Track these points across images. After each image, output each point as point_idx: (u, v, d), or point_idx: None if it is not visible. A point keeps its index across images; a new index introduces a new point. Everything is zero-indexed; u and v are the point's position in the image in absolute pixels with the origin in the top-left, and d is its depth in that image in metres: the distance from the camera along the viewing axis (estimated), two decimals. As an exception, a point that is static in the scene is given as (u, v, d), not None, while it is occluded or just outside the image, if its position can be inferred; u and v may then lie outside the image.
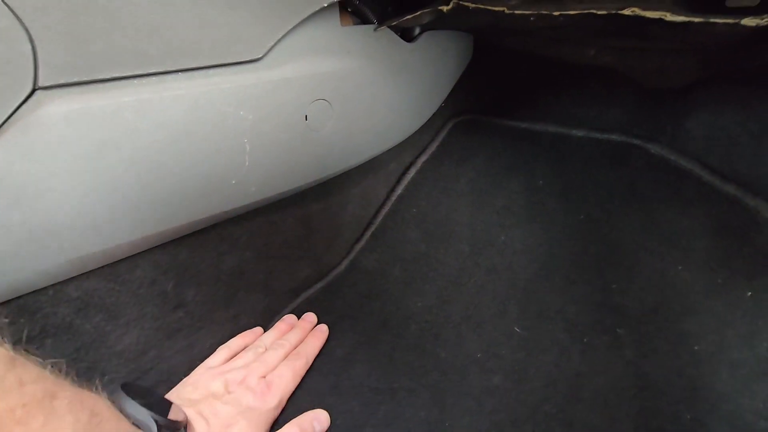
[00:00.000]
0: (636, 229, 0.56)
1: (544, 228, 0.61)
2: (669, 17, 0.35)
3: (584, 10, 0.39)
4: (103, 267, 0.44)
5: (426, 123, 0.75)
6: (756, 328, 0.44)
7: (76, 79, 0.36)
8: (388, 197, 0.74)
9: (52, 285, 0.41)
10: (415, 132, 0.73)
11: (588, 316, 0.51)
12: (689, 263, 0.51)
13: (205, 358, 0.51)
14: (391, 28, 0.56)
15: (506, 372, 0.49)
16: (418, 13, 0.50)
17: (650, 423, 0.42)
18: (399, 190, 0.74)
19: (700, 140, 0.58)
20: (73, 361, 0.42)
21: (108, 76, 0.37)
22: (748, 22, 0.33)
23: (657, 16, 0.36)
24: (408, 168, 0.77)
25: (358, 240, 0.70)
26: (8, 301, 0.39)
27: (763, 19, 0.32)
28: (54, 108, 0.35)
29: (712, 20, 0.34)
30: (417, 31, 0.64)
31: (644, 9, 0.36)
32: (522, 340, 0.51)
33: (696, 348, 0.45)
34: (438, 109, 0.77)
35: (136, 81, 0.39)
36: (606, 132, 0.67)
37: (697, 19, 0.34)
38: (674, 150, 0.60)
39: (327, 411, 0.45)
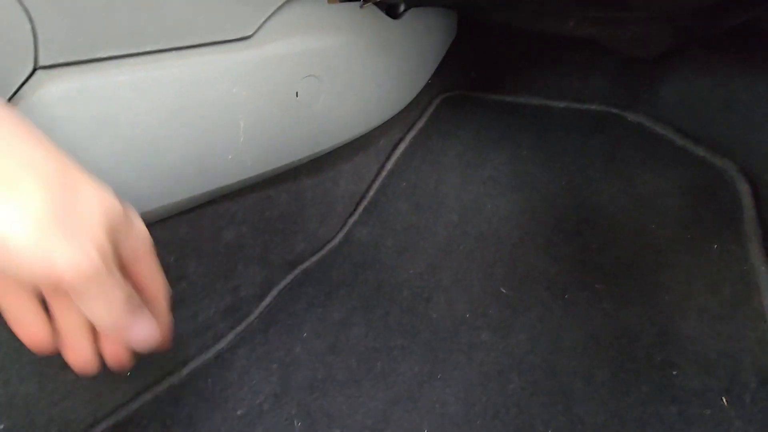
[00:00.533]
0: (614, 192, 0.59)
1: (529, 195, 0.64)
2: (637, -15, 0.38)
3: (558, -20, 0.41)
4: (107, 242, 0.46)
5: (414, 99, 0.77)
6: (720, 277, 0.48)
7: (74, 59, 0.37)
8: (379, 172, 0.76)
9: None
10: (404, 108, 0.75)
11: (569, 274, 0.54)
12: (663, 222, 0.54)
13: (211, 327, 0.53)
14: (376, 4, 0.58)
15: (493, 329, 0.52)
16: (401, -12, 0.51)
17: (626, 366, 0.46)
18: (389, 165, 0.76)
19: (673, 107, 0.61)
20: (84, 330, 0.45)
21: (105, 55, 0.39)
22: (710, -13, 0.35)
23: (626, -16, 0.38)
24: (398, 143, 0.79)
25: (351, 214, 0.73)
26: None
27: (721, -16, 0.35)
28: (54, 87, 0.37)
29: (676, -14, 0.36)
30: (402, 7, 0.65)
31: (614, -23, 0.38)
32: (508, 299, 0.55)
33: (667, 298, 0.49)
34: (425, 86, 0.79)
35: (132, 60, 0.40)
36: (586, 102, 0.69)
37: (662, -14, 0.37)
38: (650, 117, 0.63)
39: (326, 368, 0.48)
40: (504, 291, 0.56)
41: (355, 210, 0.74)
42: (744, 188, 0.52)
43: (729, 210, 0.51)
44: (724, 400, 0.42)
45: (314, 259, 0.68)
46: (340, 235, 0.71)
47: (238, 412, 0.46)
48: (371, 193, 0.75)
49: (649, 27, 0.55)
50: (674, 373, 0.44)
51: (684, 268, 0.50)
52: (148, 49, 0.41)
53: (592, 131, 0.66)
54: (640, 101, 0.65)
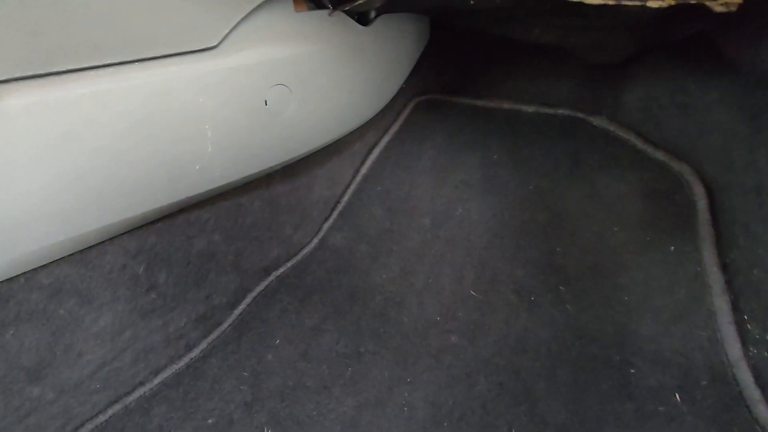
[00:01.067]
0: (578, 196, 0.60)
1: (498, 199, 0.65)
2: (587, 0, 0.39)
3: (516, -6, 0.42)
4: (73, 254, 0.46)
5: (388, 104, 0.78)
6: (676, 278, 0.50)
7: (31, 72, 0.37)
8: (353, 177, 0.77)
9: (23, 273, 0.43)
10: (378, 113, 0.76)
11: (534, 277, 0.56)
12: (623, 225, 0.56)
13: (182, 336, 0.53)
14: (345, 12, 0.58)
15: (462, 332, 0.53)
16: (368, -3, 0.52)
17: (586, 366, 0.48)
18: (364, 170, 0.77)
19: (635, 112, 0.63)
20: (49, 344, 0.44)
21: (64, 69, 0.38)
22: (652, 3, 0.37)
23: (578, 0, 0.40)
24: (372, 148, 0.80)
25: (326, 219, 0.73)
26: (-19, 290, 0.40)
27: (664, 1, 0.36)
28: (13, 101, 0.36)
29: (623, 2, 0.38)
30: (372, 14, 0.66)
31: (567, -7, 0.40)
32: (477, 302, 0.56)
33: (626, 299, 0.51)
34: (399, 90, 0.80)
35: (92, 72, 0.40)
36: (554, 107, 0.71)
37: (611, 2, 0.38)
38: (613, 121, 0.65)
39: (297, 375, 0.49)
40: (473, 294, 0.57)
41: (330, 215, 0.75)
42: (699, 191, 0.54)
43: (685, 213, 0.53)
44: (678, 397, 0.44)
45: (289, 265, 0.68)
46: (315, 241, 0.72)
47: (209, 421, 0.47)
48: (346, 197, 0.75)
49: (608, 35, 0.57)
50: (632, 371, 0.46)
51: (642, 270, 0.52)
52: (109, 61, 0.41)
53: (560, 135, 0.68)
54: (604, 106, 0.67)
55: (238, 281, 0.61)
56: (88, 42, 0.39)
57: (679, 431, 0.42)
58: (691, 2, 0.36)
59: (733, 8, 0.35)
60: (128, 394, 0.49)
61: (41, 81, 0.38)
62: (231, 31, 0.47)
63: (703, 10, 0.37)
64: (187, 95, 0.46)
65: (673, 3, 0.36)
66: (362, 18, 0.65)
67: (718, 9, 0.35)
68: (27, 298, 0.43)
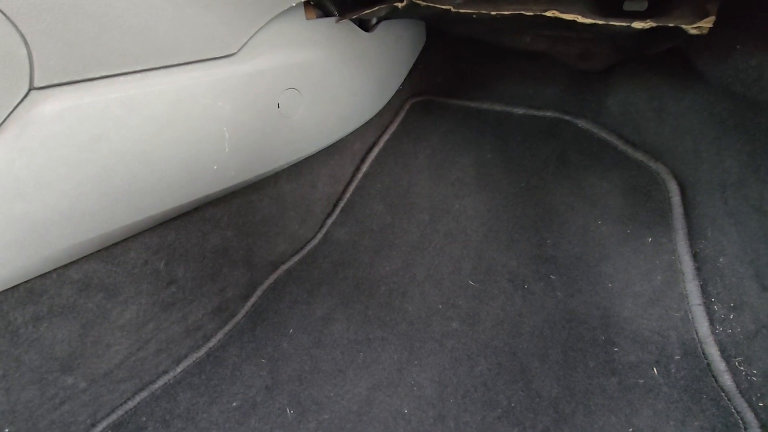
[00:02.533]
0: (565, 192, 0.66)
1: (492, 195, 0.70)
2: (580, 19, 0.44)
3: (515, 11, 0.46)
4: (99, 251, 0.48)
5: (386, 105, 0.81)
6: (653, 266, 0.56)
7: (68, 79, 0.39)
8: (354, 175, 0.80)
9: (55, 269, 0.45)
10: (377, 113, 0.79)
11: (527, 267, 0.61)
12: (606, 218, 0.62)
13: (200, 327, 0.56)
14: (351, 19, 0.61)
15: (462, 318, 0.58)
16: (376, 8, 0.55)
17: (575, 346, 0.53)
18: (364, 168, 0.81)
19: (616, 115, 0.69)
20: (80, 336, 0.47)
21: (97, 75, 0.41)
22: (636, 25, 0.42)
23: (571, 18, 0.44)
24: (371, 147, 0.83)
25: (329, 215, 0.77)
26: (17, 285, 0.43)
27: (646, 23, 0.41)
28: (48, 106, 0.39)
29: (611, 23, 0.43)
30: (374, 21, 0.69)
31: (562, 12, 0.44)
32: (475, 291, 0.61)
33: (609, 285, 0.56)
34: (397, 92, 0.84)
35: (122, 78, 0.43)
36: (542, 109, 0.76)
37: (600, 21, 0.43)
38: (597, 124, 0.70)
39: (312, 361, 0.52)
40: (472, 283, 0.62)
41: (333, 211, 0.78)
42: (673, 188, 0.60)
43: (661, 207, 0.60)
44: (655, 371, 0.50)
45: (296, 258, 0.71)
46: (319, 235, 0.75)
47: (234, 404, 0.50)
48: (348, 194, 0.79)
49: (593, 45, 0.62)
50: (615, 349, 0.52)
51: (623, 259, 0.58)
52: (138, 68, 0.43)
53: (547, 136, 0.73)
54: (588, 110, 0.72)
55: (249, 275, 0.65)
56: (120, 50, 0.41)
57: (656, 400, 0.47)
58: (669, 25, 0.41)
59: (705, 31, 0.40)
60: (153, 382, 0.52)
61: (75, 87, 0.40)
62: (249, 39, 0.50)
63: (679, 31, 0.42)
64: (207, 99, 0.49)
65: (654, 25, 0.41)
66: (365, 24, 0.69)
67: (692, 32, 0.41)
68: (59, 293, 0.45)
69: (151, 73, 0.44)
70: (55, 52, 0.37)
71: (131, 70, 0.43)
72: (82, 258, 0.47)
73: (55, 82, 0.39)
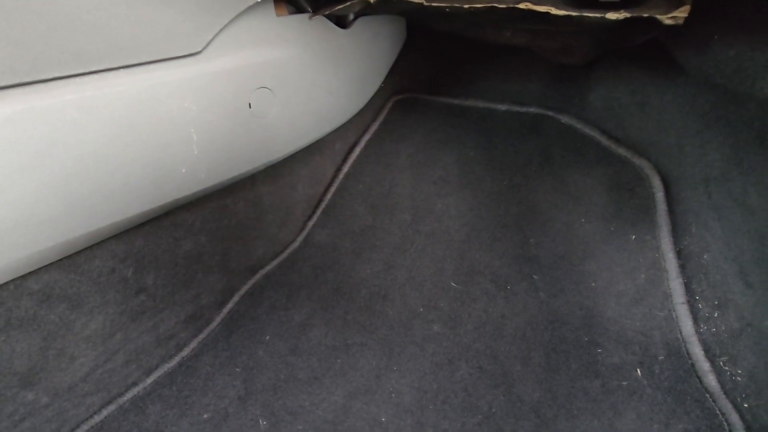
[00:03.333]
0: (549, 190, 0.65)
1: (474, 194, 0.69)
2: (554, 11, 0.42)
3: (488, 3, 0.45)
4: (61, 259, 0.46)
5: (367, 103, 0.80)
6: (637, 264, 0.54)
7: (16, 81, 0.37)
8: (335, 175, 0.79)
9: (12, 279, 0.43)
10: (358, 112, 0.78)
11: (510, 267, 0.60)
12: (590, 216, 0.60)
13: (173, 336, 0.55)
14: (325, 16, 0.60)
15: (444, 321, 0.56)
16: (348, 3, 0.53)
17: (558, 348, 0.52)
18: (345, 168, 0.79)
19: (599, 110, 0.67)
20: (41, 349, 0.45)
21: (49, 76, 0.39)
22: (611, 16, 0.40)
23: (545, 10, 0.43)
24: (353, 147, 0.82)
25: (310, 217, 0.75)
26: (-30, 298, 0.41)
27: (621, 14, 0.40)
28: (-2, 110, 0.37)
29: (585, 14, 0.41)
30: (351, 17, 0.67)
31: (535, 3, 0.43)
32: (457, 293, 0.59)
33: (593, 284, 0.55)
34: (378, 90, 0.82)
35: (78, 79, 0.41)
36: (525, 105, 0.75)
37: (574, 13, 0.42)
38: (580, 119, 0.69)
39: (288, 369, 0.51)
40: (454, 285, 0.61)
41: (314, 213, 0.76)
42: (657, 184, 0.59)
43: (644, 204, 0.58)
44: (639, 372, 0.48)
45: (275, 262, 0.70)
46: (300, 238, 0.74)
47: (205, 416, 0.48)
48: (329, 195, 0.77)
49: (573, 39, 0.61)
50: (598, 351, 0.51)
51: (607, 257, 0.56)
52: (93, 68, 0.41)
53: (530, 132, 0.72)
54: (571, 105, 0.71)
55: (225, 281, 0.63)
56: (73, 49, 0.39)
57: (640, 403, 0.46)
58: (644, 15, 0.39)
59: (680, 21, 0.39)
60: (122, 394, 0.50)
61: (26, 89, 0.38)
62: (214, 37, 0.48)
63: (655, 22, 0.41)
64: (172, 100, 0.47)
65: (628, 16, 0.39)
66: (341, 21, 0.67)
67: (667, 22, 0.39)
68: (17, 305, 0.43)
69: (109, 74, 0.43)
70: (0, 53, 0.36)
71: (87, 70, 0.41)
72: (41, 267, 0.45)
73: (3, 84, 0.37)
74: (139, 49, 0.43)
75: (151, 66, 0.45)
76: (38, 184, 0.40)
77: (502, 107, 0.77)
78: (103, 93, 0.42)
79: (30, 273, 0.44)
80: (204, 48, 0.48)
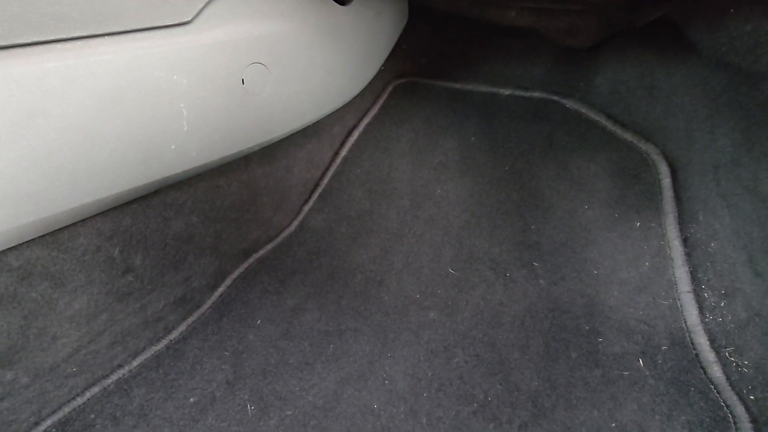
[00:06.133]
0: (551, 176, 0.63)
1: (475, 180, 0.67)
2: (561, -19, 0.40)
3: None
4: (44, 236, 0.45)
5: (367, 86, 0.77)
6: (641, 252, 0.52)
7: (-8, 44, 0.35)
8: (333, 159, 0.77)
9: (-8, 255, 0.41)
10: (357, 95, 0.76)
11: (510, 254, 0.58)
12: (593, 202, 0.58)
13: (161, 319, 0.53)
14: (322, -10, 0.57)
15: (440, 307, 0.55)
16: (346, -25, 0.51)
17: (557, 336, 0.50)
18: (343, 152, 0.77)
19: (606, 94, 0.65)
20: (21, 328, 0.43)
21: (28, 41, 0.37)
22: (622, -15, 0.38)
23: (552, -20, 0.41)
24: (351, 130, 0.80)
25: (306, 201, 0.73)
26: (-54, 273, 0.39)
27: (632, -17, 0.38)
28: (-29, 74, 0.35)
29: (594, -16, 0.39)
30: (349, -7, 0.65)
31: (541, -27, 0.41)
32: (455, 279, 0.58)
33: (595, 272, 0.53)
34: (378, 73, 0.80)
35: (59, 45, 0.39)
36: (529, 90, 0.73)
37: (583, -17, 0.39)
38: (585, 103, 0.67)
39: (279, 353, 0.49)
40: (452, 271, 0.59)
41: (310, 197, 0.74)
42: (664, 170, 0.57)
43: (650, 190, 0.56)
44: (641, 362, 0.47)
45: (269, 247, 0.68)
46: (295, 223, 0.72)
47: (191, 400, 0.47)
48: (326, 180, 0.75)
49: (580, 19, 0.59)
50: (599, 340, 0.49)
51: (610, 244, 0.55)
52: (76, 34, 0.39)
53: (534, 117, 0.70)
54: (576, 89, 0.69)
55: (217, 263, 0.61)
56: (53, 13, 0.37)
57: (641, 393, 0.44)
58: (657, -16, 0.37)
59: (695, -9, 0.37)
60: (106, 376, 0.49)
61: (4, 54, 0.36)
62: (205, 5, 0.46)
63: (668, -7, 0.38)
64: (160, 72, 0.45)
65: (640, -15, 0.37)
66: (340, -3, 0.64)
67: (682, -9, 0.37)
68: (-4, 281, 0.42)
69: (94, 41, 0.40)
70: (-27, 13, 0.34)
71: (68, 36, 0.39)
72: (22, 244, 0.43)
73: (-23, 47, 0.35)
74: (125, 16, 0.41)
75: (138, 35, 0.43)
76: (18, 155, 0.39)
77: (506, 92, 0.75)
78: (86, 61, 0.40)
79: (10, 249, 0.42)
80: (194, 18, 0.46)
